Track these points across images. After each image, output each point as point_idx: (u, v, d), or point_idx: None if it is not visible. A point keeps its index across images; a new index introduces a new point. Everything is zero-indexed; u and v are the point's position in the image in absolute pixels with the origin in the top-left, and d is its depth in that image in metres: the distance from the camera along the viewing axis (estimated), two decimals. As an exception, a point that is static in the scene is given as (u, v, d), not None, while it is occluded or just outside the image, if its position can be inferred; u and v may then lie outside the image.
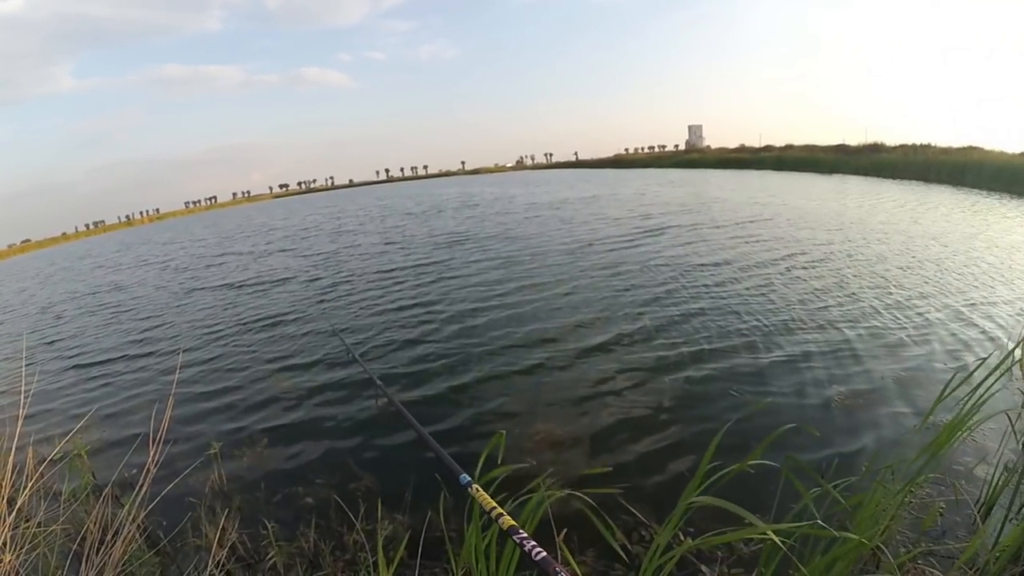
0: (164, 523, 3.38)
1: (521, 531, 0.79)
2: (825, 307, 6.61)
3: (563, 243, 12.48)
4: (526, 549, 0.75)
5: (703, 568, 2.62)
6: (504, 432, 2.36)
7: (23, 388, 3.18)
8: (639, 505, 3.13)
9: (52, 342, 9.54)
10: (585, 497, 2.35)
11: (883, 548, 2.37)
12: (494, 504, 0.91)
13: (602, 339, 5.99)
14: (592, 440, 4.07)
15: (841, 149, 44.81)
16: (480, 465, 2.19)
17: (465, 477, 1.10)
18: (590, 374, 5.20)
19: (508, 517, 0.85)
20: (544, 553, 0.72)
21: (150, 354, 7.66)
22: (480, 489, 0.98)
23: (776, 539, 1.78)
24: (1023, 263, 8.36)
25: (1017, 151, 29.13)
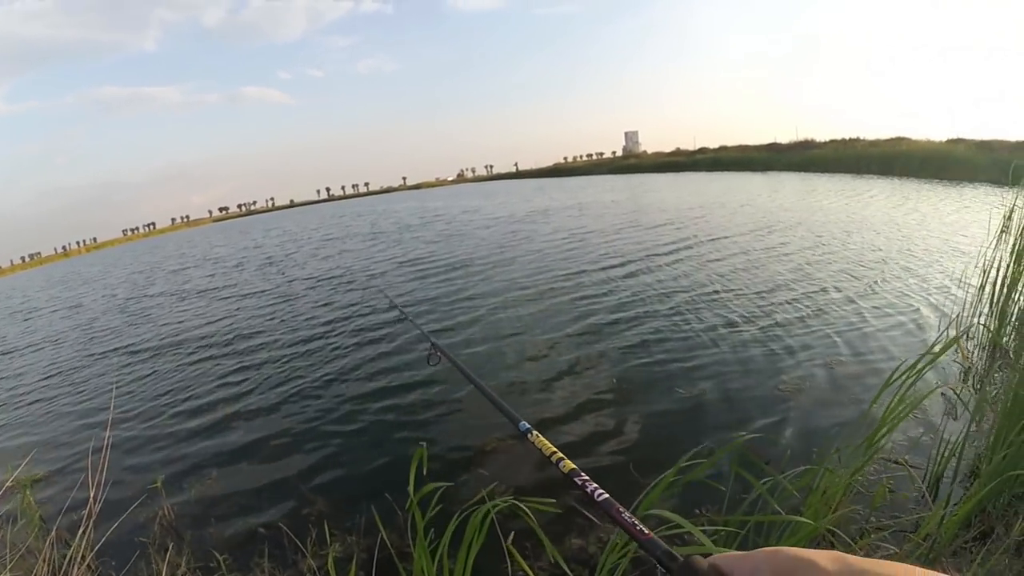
0: (114, 562, 3.36)
1: (582, 474, 0.78)
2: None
3: (576, 263, 10.81)
4: (588, 491, 0.73)
5: (658, 567, 2.63)
6: (424, 445, 2.36)
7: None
8: (592, 508, 3.14)
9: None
10: (537, 505, 2.34)
11: (835, 531, 2.42)
12: (554, 449, 0.91)
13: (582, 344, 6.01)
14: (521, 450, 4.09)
15: (773, 147, 46.00)
16: (412, 477, 2.17)
17: (524, 424, 1.08)
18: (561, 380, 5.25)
19: (568, 461, 0.83)
20: (606, 495, 0.70)
21: (82, 393, 7.47)
22: (540, 435, 0.98)
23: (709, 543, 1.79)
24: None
25: (943, 139, 30.25)
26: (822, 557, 0.40)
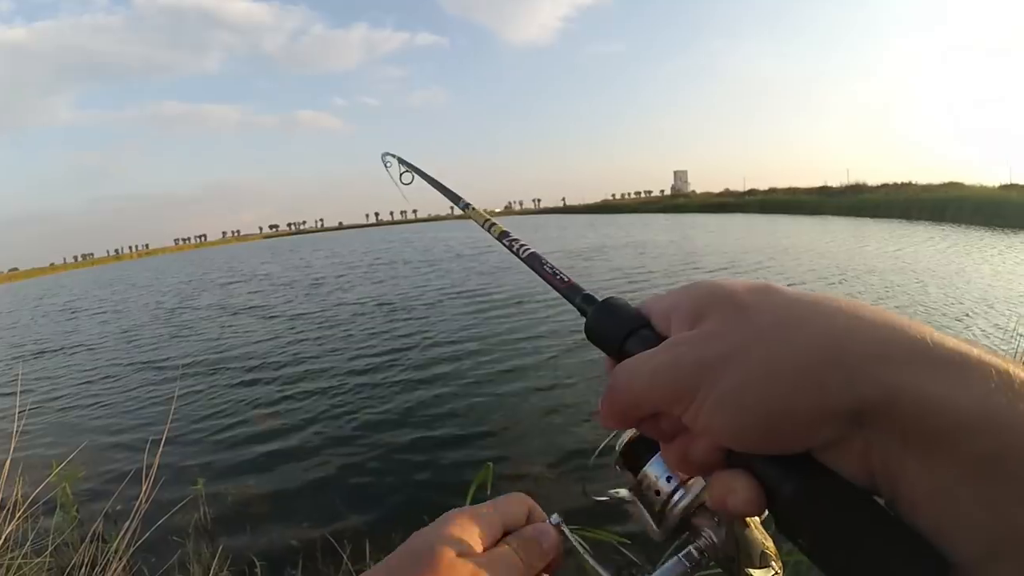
0: (153, 560, 3.35)
1: (511, 234, 0.69)
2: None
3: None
4: (514, 250, 0.62)
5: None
6: (491, 464, 2.32)
7: (16, 422, 3.14)
8: (631, 547, 3.10)
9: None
10: (582, 544, 2.29)
11: None
12: (488, 217, 0.77)
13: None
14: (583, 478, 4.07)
15: (824, 191, 45.47)
16: (469, 498, 2.15)
17: (464, 202, 0.94)
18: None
19: (500, 225, 0.74)
20: (531, 250, 0.62)
21: (137, 399, 7.69)
22: (476, 208, 0.86)
23: None
24: None
25: (997, 183, 29.51)
26: (743, 286, 0.37)
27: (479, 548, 0.45)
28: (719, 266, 15.26)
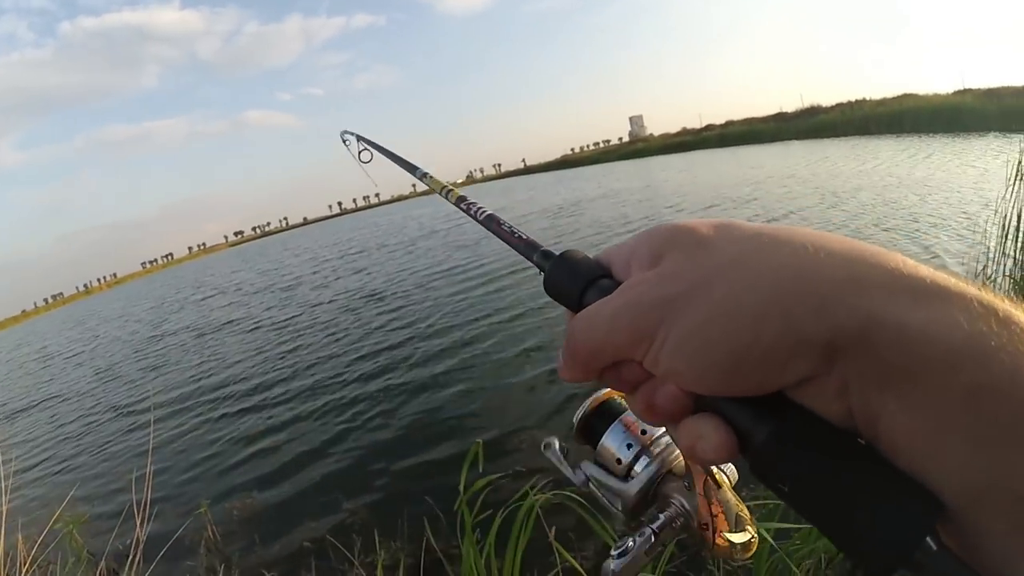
0: (164, 586, 3.34)
1: (468, 198, 0.69)
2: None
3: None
4: (472, 212, 0.66)
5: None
6: (480, 441, 2.34)
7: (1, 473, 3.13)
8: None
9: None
10: (577, 496, 2.34)
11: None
12: (444, 184, 0.83)
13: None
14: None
15: (780, 117, 45.59)
16: (464, 475, 2.18)
17: (421, 171, 0.96)
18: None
19: (457, 190, 0.78)
20: (488, 211, 0.63)
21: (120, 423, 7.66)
22: (433, 176, 0.89)
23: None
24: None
25: (950, 90, 29.72)
26: (703, 222, 0.36)
27: None
28: (705, 204, 14.86)
